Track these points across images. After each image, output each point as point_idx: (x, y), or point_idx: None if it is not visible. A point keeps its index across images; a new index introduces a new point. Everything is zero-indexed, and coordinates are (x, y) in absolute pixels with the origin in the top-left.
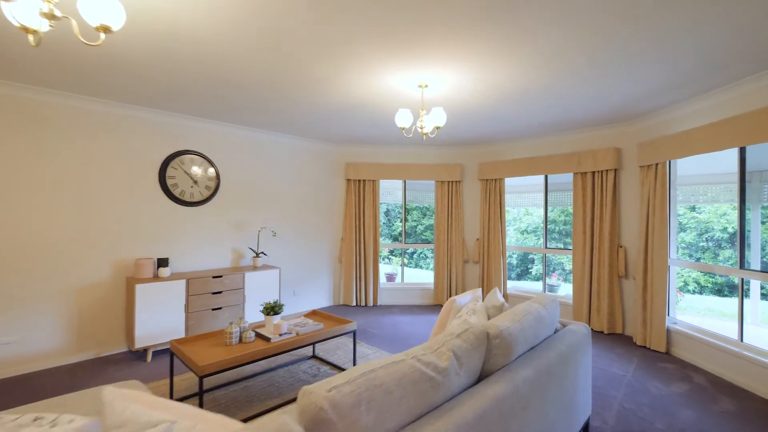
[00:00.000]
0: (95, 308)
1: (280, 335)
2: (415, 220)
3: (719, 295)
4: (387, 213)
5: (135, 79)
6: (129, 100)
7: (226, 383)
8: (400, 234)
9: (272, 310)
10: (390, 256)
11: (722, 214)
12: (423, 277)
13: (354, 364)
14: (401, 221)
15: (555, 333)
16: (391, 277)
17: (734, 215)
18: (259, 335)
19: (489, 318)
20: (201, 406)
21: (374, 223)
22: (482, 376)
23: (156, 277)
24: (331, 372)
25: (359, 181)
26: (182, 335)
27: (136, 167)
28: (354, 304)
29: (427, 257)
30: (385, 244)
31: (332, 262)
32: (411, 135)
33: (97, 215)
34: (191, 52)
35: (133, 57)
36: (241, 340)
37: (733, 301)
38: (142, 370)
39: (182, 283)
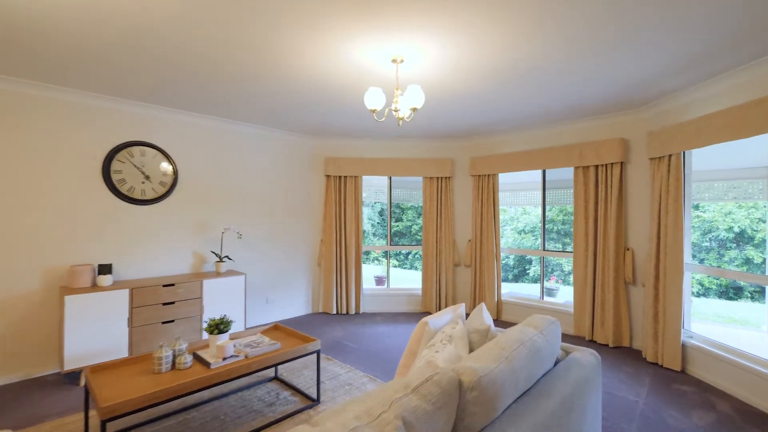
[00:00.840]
0: (22, 323)
1: (224, 359)
2: (410, 220)
3: (724, 298)
4: (381, 213)
5: (70, 56)
6: (62, 82)
7: (167, 414)
8: (394, 234)
9: (216, 328)
10: (380, 258)
11: (727, 213)
12: (417, 279)
13: (318, 390)
14: (394, 221)
15: (555, 366)
16: (380, 280)
17: (740, 214)
18: (198, 359)
19: (471, 348)
20: None
21: (357, 223)
22: None
23: (94, 287)
24: (291, 399)
25: (340, 177)
26: (125, 354)
27: (75, 160)
28: (335, 312)
29: None
30: (376, 246)
31: (311, 266)
32: (383, 119)
33: (24, 215)
34: (129, 24)
35: (66, 26)
36: (174, 366)
37: (740, 305)
38: (70, 396)
39: (125, 293)
